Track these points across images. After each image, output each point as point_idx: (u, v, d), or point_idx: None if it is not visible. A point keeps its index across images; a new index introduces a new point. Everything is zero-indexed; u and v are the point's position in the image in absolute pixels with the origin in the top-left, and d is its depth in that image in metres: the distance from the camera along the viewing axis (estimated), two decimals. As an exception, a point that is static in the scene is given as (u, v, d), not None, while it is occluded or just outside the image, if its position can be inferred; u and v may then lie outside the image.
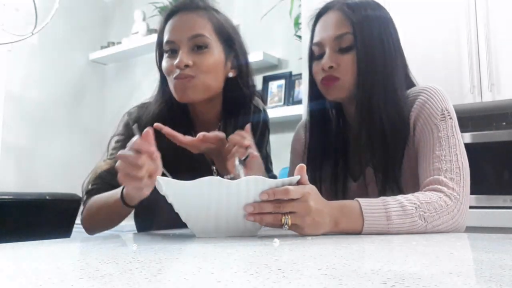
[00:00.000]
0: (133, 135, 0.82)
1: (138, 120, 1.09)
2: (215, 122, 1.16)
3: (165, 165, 0.85)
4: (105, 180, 1.08)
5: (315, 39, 1.04)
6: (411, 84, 1.07)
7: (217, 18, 1.09)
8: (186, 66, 1.02)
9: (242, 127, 1.04)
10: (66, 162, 3.32)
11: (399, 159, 0.99)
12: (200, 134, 0.99)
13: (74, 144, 3.39)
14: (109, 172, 1.06)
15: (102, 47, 3.58)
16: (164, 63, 1.07)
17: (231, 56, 1.10)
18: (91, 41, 3.62)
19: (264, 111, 1.24)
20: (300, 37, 2.58)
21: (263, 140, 1.22)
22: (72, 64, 3.49)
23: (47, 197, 1.36)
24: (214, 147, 1.03)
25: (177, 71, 1.03)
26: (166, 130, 0.97)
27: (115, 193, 0.95)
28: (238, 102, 1.14)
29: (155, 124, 0.95)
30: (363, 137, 1.02)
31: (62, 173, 3.26)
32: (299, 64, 2.68)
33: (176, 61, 1.02)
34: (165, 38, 1.06)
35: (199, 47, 1.04)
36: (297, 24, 2.66)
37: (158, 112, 1.10)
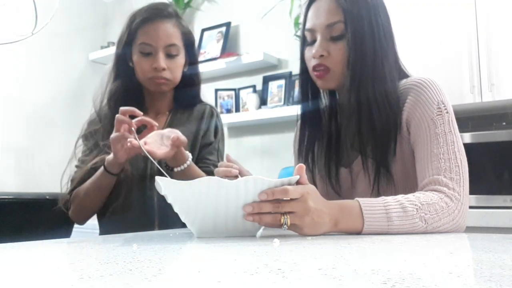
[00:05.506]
0: (95, 133, 1.32)
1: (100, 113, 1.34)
2: (164, 111, 1.36)
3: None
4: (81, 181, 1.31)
5: (307, 25, 1.04)
6: (403, 73, 1.05)
7: (183, 26, 1.33)
8: (163, 69, 1.26)
9: (189, 120, 1.33)
10: (66, 162, 3.31)
11: (391, 147, 0.97)
12: (174, 142, 1.09)
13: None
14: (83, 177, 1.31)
15: (102, 47, 3.58)
16: (142, 63, 1.28)
17: (187, 56, 1.35)
18: (91, 41, 3.62)
19: (218, 115, 1.42)
20: (300, 37, 2.58)
21: (215, 139, 1.38)
22: (72, 64, 3.49)
23: (47, 197, 1.36)
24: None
25: (153, 73, 1.26)
26: (147, 148, 1.05)
27: (98, 172, 1.20)
28: (186, 91, 1.37)
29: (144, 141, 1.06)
30: (352, 125, 1.02)
31: (62, 173, 3.26)
32: (299, 64, 2.67)
33: (154, 64, 1.26)
34: (142, 39, 1.28)
35: (171, 55, 1.28)
36: (297, 24, 2.66)
37: (117, 97, 1.31)
